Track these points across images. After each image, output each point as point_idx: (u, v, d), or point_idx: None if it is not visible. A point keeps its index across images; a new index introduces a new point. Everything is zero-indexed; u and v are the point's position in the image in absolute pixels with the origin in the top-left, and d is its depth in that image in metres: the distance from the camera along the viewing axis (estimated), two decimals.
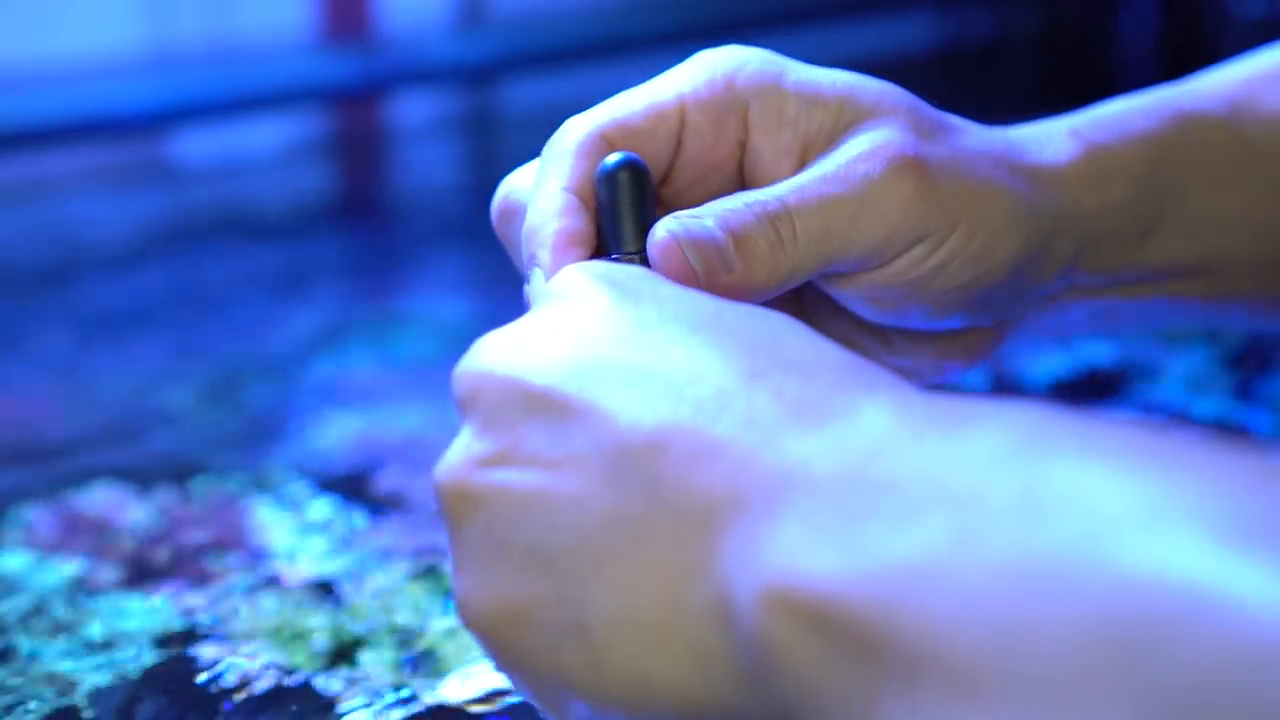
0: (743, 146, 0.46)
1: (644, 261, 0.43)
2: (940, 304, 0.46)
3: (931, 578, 0.29)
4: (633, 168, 0.43)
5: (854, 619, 0.30)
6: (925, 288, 0.45)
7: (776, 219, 0.43)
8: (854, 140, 0.45)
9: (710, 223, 0.43)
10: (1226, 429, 0.68)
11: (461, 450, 0.38)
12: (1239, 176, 0.50)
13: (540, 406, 0.37)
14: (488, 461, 0.37)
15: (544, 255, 0.43)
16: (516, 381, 0.38)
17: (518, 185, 0.46)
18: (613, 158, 0.44)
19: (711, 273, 0.42)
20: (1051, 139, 0.48)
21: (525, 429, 0.37)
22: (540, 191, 0.44)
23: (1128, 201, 0.48)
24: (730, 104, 0.45)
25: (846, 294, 0.46)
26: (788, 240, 0.43)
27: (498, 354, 0.39)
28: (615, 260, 0.43)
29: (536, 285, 0.43)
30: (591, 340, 0.38)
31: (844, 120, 0.45)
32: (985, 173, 0.45)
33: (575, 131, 0.45)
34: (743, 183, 0.46)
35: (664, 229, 0.42)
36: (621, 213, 0.43)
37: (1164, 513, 0.28)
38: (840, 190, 0.44)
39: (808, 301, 0.48)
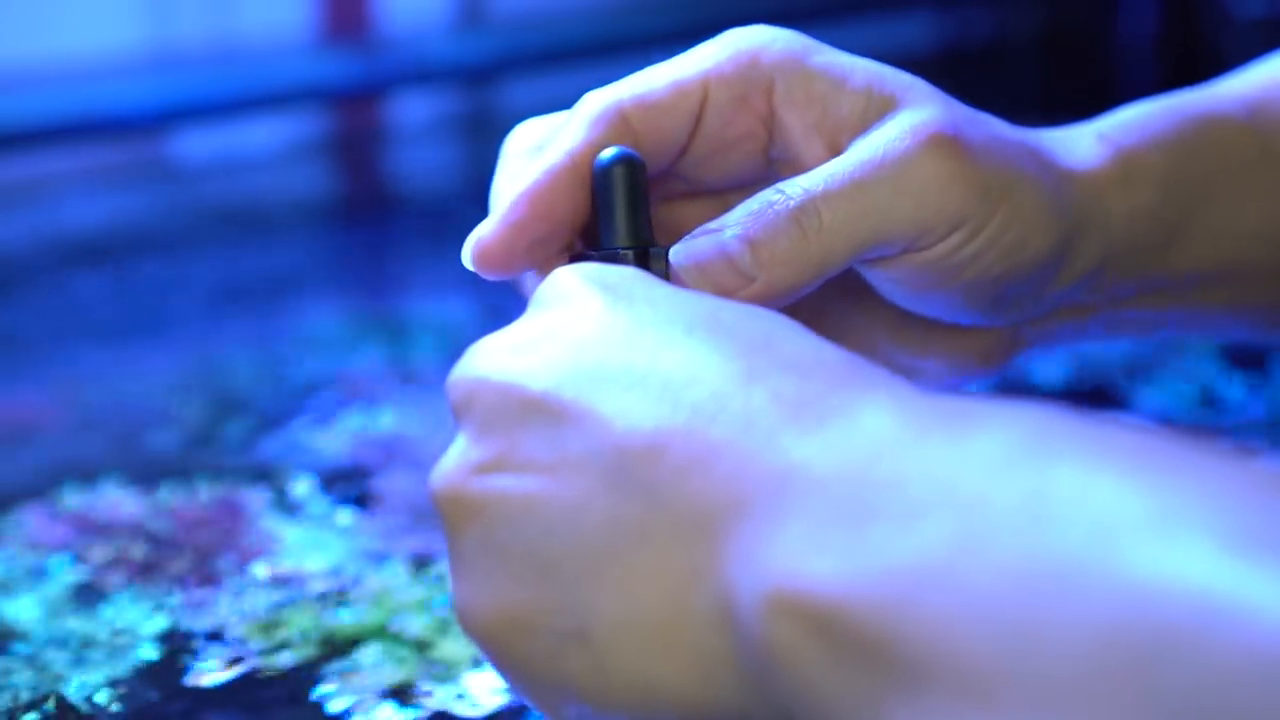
0: (767, 124, 0.46)
1: (636, 257, 0.43)
2: (967, 295, 0.45)
3: (937, 580, 0.29)
4: (628, 163, 0.43)
5: (858, 622, 0.30)
6: (958, 277, 0.44)
7: (800, 213, 0.42)
8: (891, 121, 0.44)
9: (727, 234, 0.42)
10: (1224, 430, 0.68)
11: (457, 457, 0.38)
12: (1260, 181, 0.50)
13: (536, 411, 0.37)
14: (484, 468, 0.37)
15: (502, 202, 0.44)
16: (512, 387, 0.37)
17: (525, 136, 0.47)
18: (608, 152, 0.43)
19: (727, 291, 0.42)
20: (1079, 143, 0.48)
21: (522, 434, 0.37)
22: (547, 150, 0.45)
23: (1155, 207, 0.48)
24: (755, 80, 0.45)
25: (876, 275, 0.45)
26: (812, 232, 0.42)
27: (492, 359, 0.38)
28: (606, 254, 0.43)
29: (483, 229, 0.44)
30: (587, 344, 0.37)
31: (875, 104, 0.44)
32: (1021, 162, 0.45)
33: (594, 103, 0.45)
34: (768, 160, 0.46)
35: (676, 259, 0.42)
36: (615, 208, 0.43)
37: (1174, 519, 0.27)
38: (876, 171, 0.43)
39: (827, 292, 0.48)
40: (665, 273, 0.43)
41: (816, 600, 0.31)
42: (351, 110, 1.20)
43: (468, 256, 0.44)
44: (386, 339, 0.81)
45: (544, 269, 0.44)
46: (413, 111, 1.20)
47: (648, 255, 0.43)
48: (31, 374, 0.78)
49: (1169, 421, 0.69)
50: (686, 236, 0.43)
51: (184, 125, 1.09)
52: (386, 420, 0.70)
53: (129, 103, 1.03)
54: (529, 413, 0.37)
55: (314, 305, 0.87)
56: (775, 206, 0.42)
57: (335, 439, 0.68)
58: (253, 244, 0.98)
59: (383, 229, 1.04)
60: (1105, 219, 0.47)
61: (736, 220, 0.43)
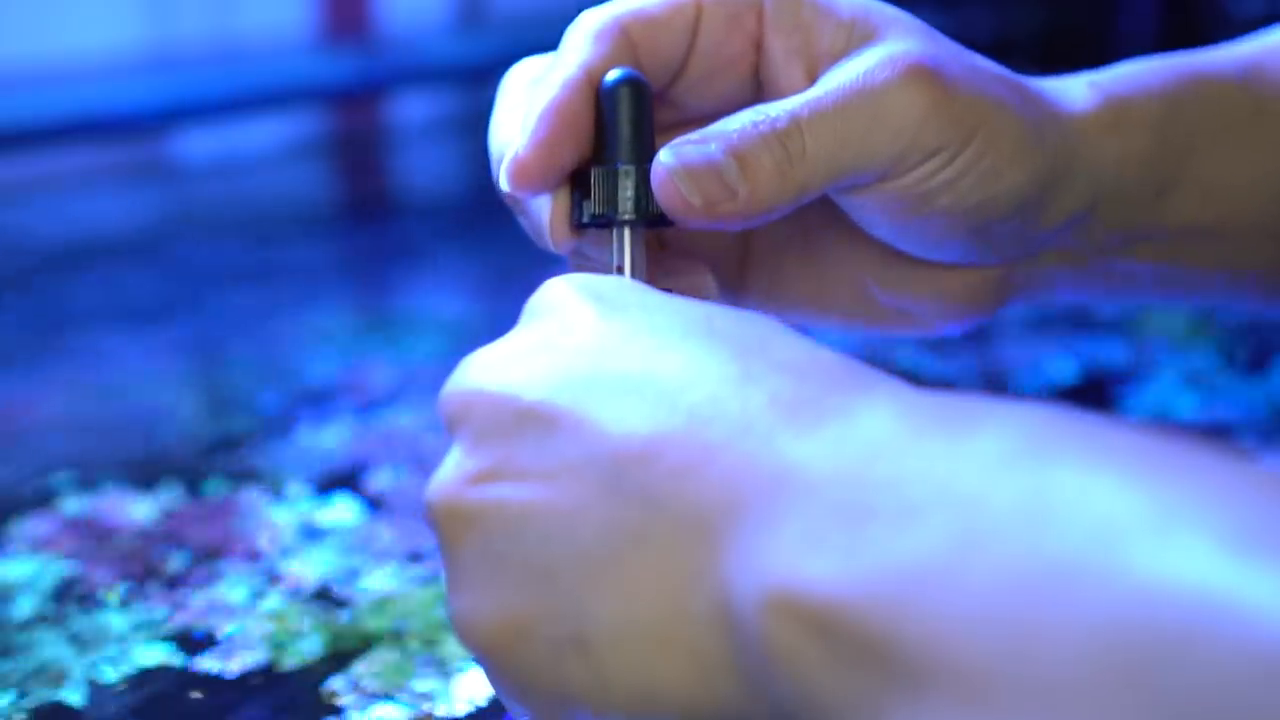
0: (756, 47, 0.46)
1: (640, 174, 0.44)
2: (945, 225, 0.45)
3: (936, 580, 0.29)
4: (634, 84, 0.44)
5: (857, 623, 0.30)
6: (932, 204, 0.44)
7: (785, 135, 0.42)
8: (868, 51, 0.44)
9: (712, 147, 0.43)
10: (1223, 431, 0.68)
11: (453, 468, 0.38)
12: (1253, 137, 0.50)
13: (532, 420, 0.36)
14: (481, 478, 0.37)
15: (529, 120, 0.44)
16: (507, 397, 0.37)
17: (524, 71, 0.47)
18: (614, 73, 0.44)
19: (712, 203, 0.42)
20: (1070, 89, 0.48)
21: (518, 443, 0.36)
22: (556, 65, 0.45)
23: (1145, 153, 0.48)
24: (748, 1, 0.46)
25: (853, 203, 0.46)
26: (796, 157, 0.42)
27: (486, 371, 0.38)
28: (609, 170, 0.44)
29: (517, 147, 0.43)
30: (581, 353, 0.37)
31: (857, 35, 0.45)
32: (1001, 95, 0.45)
33: (593, 19, 0.45)
34: (757, 84, 0.47)
35: (661, 165, 0.43)
36: (620, 127, 0.44)
37: (1174, 520, 0.27)
38: (856, 100, 0.43)
39: (814, 230, 0.49)
40: None
41: (814, 601, 0.30)
42: (351, 110, 1.20)
43: (504, 178, 0.44)
44: (387, 339, 0.81)
45: (558, 191, 0.44)
46: (413, 111, 1.20)
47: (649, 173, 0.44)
48: (31, 374, 0.78)
49: (1168, 421, 0.69)
50: (668, 145, 0.43)
51: (184, 125, 1.09)
52: (387, 419, 0.70)
53: (129, 103, 1.03)
54: (524, 422, 0.36)
55: (314, 305, 0.87)
56: (760, 127, 0.43)
57: (336, 439, 0.68)
58: (253, 244, 0.98)
59: (383, 228, 1.04)
60: (1094, 162, 0.47)
61: (721, 134, 0.43)
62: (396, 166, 1.22)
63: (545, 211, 0.45)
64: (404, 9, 1.17)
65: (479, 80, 1.18)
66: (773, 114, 0.43)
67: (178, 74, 1.07)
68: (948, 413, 0.32)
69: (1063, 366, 0.75)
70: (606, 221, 0.45)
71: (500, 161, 0.45)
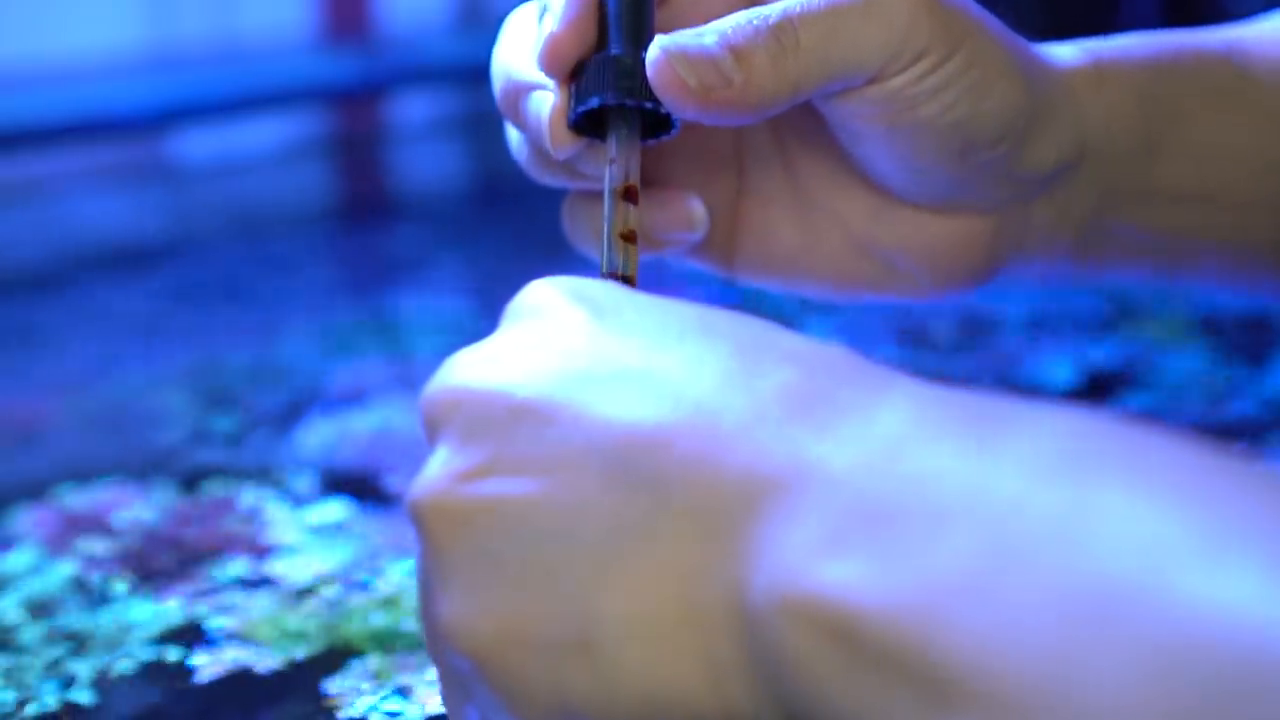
0: None
1: (636, 60, 0.44)
2: (933, 137, 0.46)
3: (968, 593, 0.28)
4: None
5: (881, 632, 0.28)
6: (917, 110, 0.45)
7: (779, 29, 0.43)
8: None
9: (707, 39, 0.43)
10: (1223, 431, 0.68)
11: (440, 467, 0.36)
12: (1242, 107, 0.50)
13: (528, 415, 0.35)
14: (472, 474, 0.35)
15: (558, 2, 0.45)
16: (498, 394, 0.35)
17: (526, 13, 0.48)
18: None
19: (708, 87, 0.43)
20: (1058, 49, 0.50)
21: (512, 438, 0.35)
22: None
23: (1132, 114, 0.49)
24: None
25: (841, 112, 0.46)
26: (790, 49, 0.43)
27: (472, 370, 0.37)
28: (607, 56, 0.45)
29: (550, 28, 0.45)
30: (575, 352, 0.36)
31: None
32: (987, 20, 0.46)
33: None
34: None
35: (657, 46, 0.44)
36: (623, 27, 0.45)
37: (1222, 544, 0.26)
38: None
39: (803, 179, 0.49)
40: None
41: (835, 606, 0.29)
42: (351, 110, 1.20)
43: (541, 58, 0.45)
44: (386, 339, 0.81)
45: (559, 89, 0.45)
46: (413, 111, 1.20)
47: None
48: (31, 373, 0.78)
49: (1168, 422, 0.69)
50: (664, 34, 0.44)
51: (184, 125, 1.09)
52: (386, 420, 0.70)
53: (129, 103, 1.03)
54: (518, 418, 0.35)
55: (314, 305, 0.87)
56: (754, 22, 0.44)
57: (334, 438, 0.68)
58: (253, 244, 0.98)
59: (382, 228, 1.04)
60: (1078, 112, 0.48)
61: (716, 29, 0.44)
62: (396, 167, 1.22)
63: (544, 111, 0.45)
64: (404, 9, 1.17)
65: (479, 80, 1.18)
66: (766, 12, 0.44)
67: (178, 74, 1.07)
68: (972, 413, 0.31)
69: (1061, 367, 0.75)
70: (601, 108, 0.45)
71: (504, 86, 0.46)
